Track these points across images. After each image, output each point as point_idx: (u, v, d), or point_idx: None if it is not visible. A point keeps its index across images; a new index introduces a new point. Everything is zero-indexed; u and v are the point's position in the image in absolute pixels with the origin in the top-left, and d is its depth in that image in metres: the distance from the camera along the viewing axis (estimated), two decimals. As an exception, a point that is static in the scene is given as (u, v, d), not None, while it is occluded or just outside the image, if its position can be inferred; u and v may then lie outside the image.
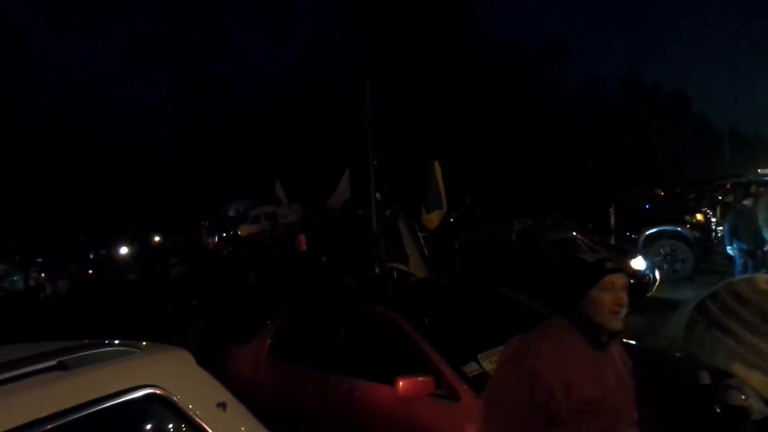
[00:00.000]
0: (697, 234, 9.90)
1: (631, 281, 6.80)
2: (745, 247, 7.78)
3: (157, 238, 23.74)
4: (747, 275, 1.04)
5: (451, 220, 14.46)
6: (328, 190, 7.97)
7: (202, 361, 2.00)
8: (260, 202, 23.87)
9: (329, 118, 26.89)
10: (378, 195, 5.50)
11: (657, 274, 8.42)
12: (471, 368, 3.43)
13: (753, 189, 9.86)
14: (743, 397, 0.90)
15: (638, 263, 8.24)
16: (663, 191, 22.83)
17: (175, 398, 1.76)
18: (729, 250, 8.13)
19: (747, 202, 8.33)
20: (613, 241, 8.93)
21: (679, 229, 9.57)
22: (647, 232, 9.42)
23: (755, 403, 0.90)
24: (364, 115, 6.23)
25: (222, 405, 1.88)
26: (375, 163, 5.48)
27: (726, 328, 0.97)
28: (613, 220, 9.24)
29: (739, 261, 7.96)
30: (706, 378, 0.97)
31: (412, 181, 7.34)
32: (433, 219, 6.63)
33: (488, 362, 3.52)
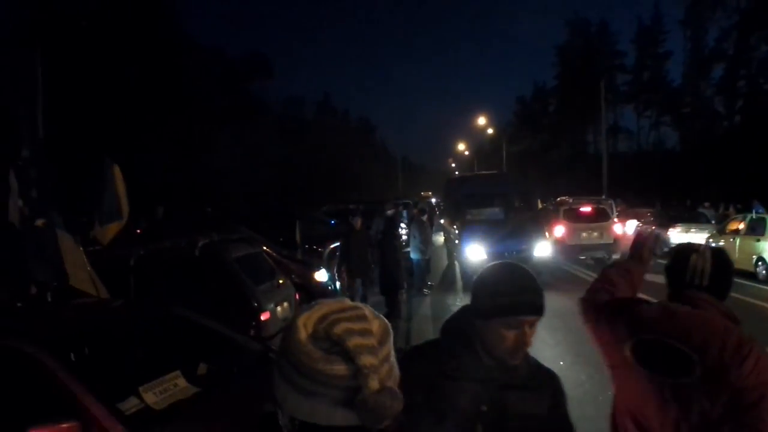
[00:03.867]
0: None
1: (315, 292, 7.04)
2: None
3: None
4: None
5: (139, 231, 13.23)
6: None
7: None
8: None
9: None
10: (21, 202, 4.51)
11: (338, 285, 9.11)
12: (130, 404, 3.03)
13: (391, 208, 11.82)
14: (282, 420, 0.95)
15: (321, 276, 8.79)
16: (354, 206, 25.04)
17: None
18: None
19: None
20: (299, 255, 9.33)
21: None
22: (331, 246, 10.12)
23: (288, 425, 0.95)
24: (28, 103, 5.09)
25: None
26: (20, 162, 4.50)
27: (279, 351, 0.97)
28: (299, 235, 9.66)
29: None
30: (269, 405, 1.00)
31: (83, 185, 6.35)
32: (107, 232, 5.85)
33: (152, 394, 3.16)
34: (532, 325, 1.51)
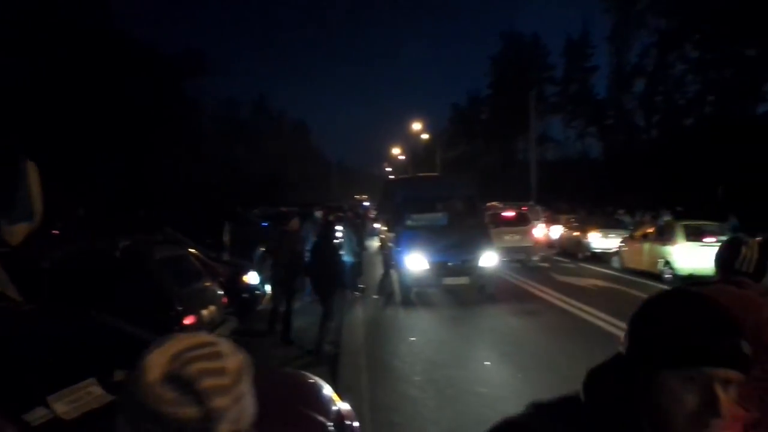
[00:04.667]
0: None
1: (244, 295, 6.95)
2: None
3: None
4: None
5: (55, 232, 12.56)
6: None
7: None
8: None
9: None
10: None
11: (268, 288, 8.97)
12: (36, 415, 2.86)
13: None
14: None
15: (251, 278, 8.63)
16: (287, 210, 24.75)
17: None
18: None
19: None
20: (226, 257, 9.13)
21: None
22: (262, 249, 9.95)
23: None
24: None
25: None
26: None
27: None
28: (227, 237, 9.45)
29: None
30: None
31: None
32: (17, 232, 5.50)
33: (62, 404, 3.00)
34: (729, 384, 0.96)
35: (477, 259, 11.08)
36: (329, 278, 8.12)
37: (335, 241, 9.71)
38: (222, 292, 6.65)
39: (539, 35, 62.72)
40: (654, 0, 40.42)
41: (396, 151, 62.58)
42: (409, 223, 11.83)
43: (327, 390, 3.51)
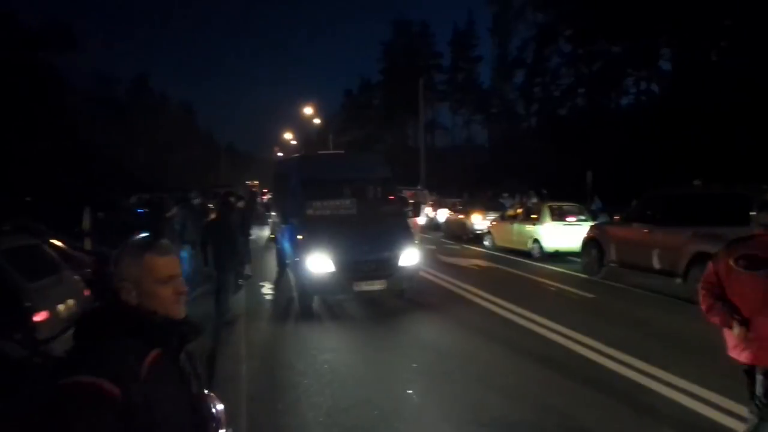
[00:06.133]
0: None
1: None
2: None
3: None
4: None
5: None
6: None
7: None
8: None
9: None
10: None
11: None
12: None
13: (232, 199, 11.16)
14: None
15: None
16: (151, 197, 23.61)
17: None
18: None
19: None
20: (88, 245, 8.46)
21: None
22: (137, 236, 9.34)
23: None
24: None
25: None
26: None
27: None
28: (87, 223, 8.75)
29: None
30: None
31: None
32: None
33: None
34: None
35: (396, 258, 8.89)
36: (226, 254, 8.02)
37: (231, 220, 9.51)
38: (84, 285, 6.12)
39: (428, 23, 64.41)
40: (533, -6, 42.73)
41: (288, 135, 61.51)
42: (309, 212, 9.33)
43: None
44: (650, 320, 8.34)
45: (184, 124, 69.55)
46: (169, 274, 1.61)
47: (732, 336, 3.47)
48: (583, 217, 15.02)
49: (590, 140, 30.02)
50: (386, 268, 8.72)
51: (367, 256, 8.66)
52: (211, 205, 12.11)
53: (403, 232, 9.34)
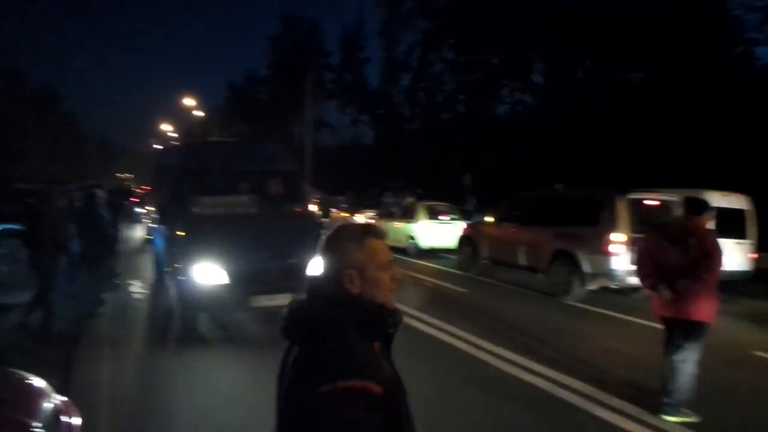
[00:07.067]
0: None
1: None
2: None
3: None
4: None
5: None
6: None
7: None
8: None
9: None
10: None
11: None
12: None
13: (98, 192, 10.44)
14: None
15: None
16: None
17: None
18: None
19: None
20: None
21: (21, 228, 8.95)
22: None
23: None
24: None
25: None
26: None
27: None
28: None
29: None
30: None
31: None
32: None
33: None
34: None
35: (304, 266, 7.11)
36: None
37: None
38: None
39: (318, 20, 64.12)
40: (420, 1, 44.04)
41: (167, 127, 58.26)
42: (195, 209, 7.53)
43: (38, 386, 3.09)
44: (514, 311, 9.01)
45: (46, 111, 63.37)
46: (389, 259, 1.59)
47: (657, 298, 4.73)
48: (455, 216, 16.01)
49: (470, 144, 31.66)
50: (292, 278, 6.77)
51: (268, 264, 7.01)
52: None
53: (311, 236, 7.38)
